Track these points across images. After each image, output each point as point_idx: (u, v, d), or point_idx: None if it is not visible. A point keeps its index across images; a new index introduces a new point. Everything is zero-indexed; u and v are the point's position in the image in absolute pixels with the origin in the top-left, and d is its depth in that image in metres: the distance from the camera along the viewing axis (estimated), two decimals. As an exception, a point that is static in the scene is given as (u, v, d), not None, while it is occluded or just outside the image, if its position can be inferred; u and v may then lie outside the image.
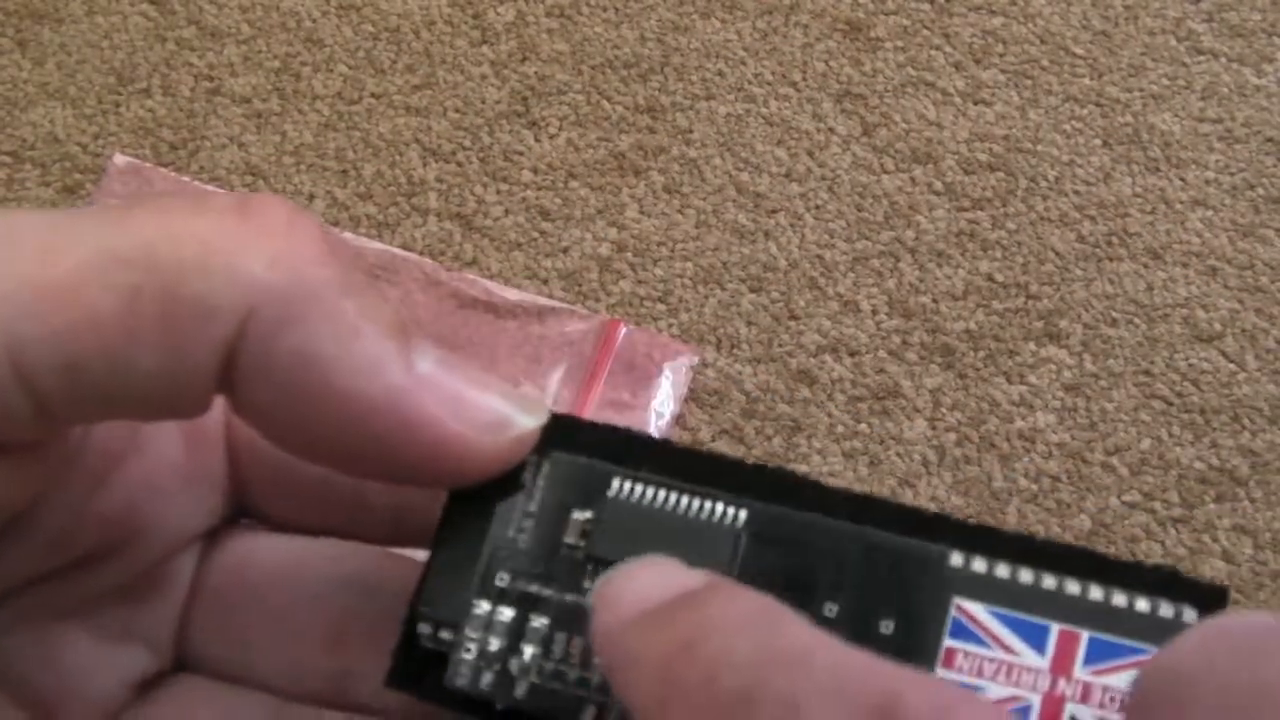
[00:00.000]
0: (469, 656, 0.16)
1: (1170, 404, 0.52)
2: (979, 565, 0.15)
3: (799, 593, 0.15)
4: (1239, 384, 0.52)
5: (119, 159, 0.55)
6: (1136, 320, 0.54)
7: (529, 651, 0.16)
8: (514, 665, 0.16)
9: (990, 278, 0.54)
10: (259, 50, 0.58)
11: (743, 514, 0.16)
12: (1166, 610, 0.15)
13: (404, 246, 0.54)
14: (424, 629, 0.16)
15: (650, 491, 0.16)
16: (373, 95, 0.57)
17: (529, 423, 0.16)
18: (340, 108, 0.57)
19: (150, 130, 0.56)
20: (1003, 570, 0.15)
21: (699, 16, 0.60)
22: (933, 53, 0.59)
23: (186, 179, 0.54)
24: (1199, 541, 0.49)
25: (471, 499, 0.16)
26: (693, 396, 0.51)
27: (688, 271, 0.54)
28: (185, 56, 0.58)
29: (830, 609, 0.15)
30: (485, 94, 0.57)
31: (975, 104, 0.58)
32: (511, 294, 0.52)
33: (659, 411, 0.50)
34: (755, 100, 0.58)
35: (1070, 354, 0.53)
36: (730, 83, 0.58)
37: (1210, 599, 0.15)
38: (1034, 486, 0.50)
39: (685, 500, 0.16)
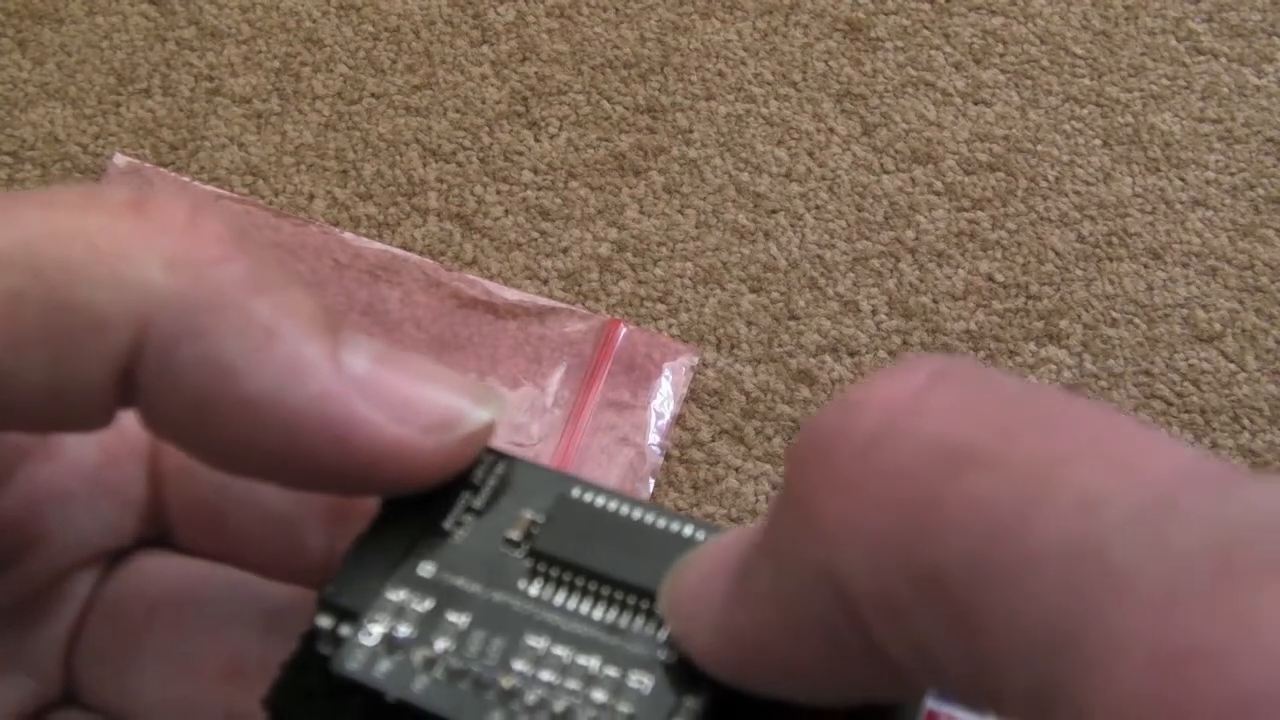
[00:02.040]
0: (367, 641, 0.14)
1: (1170, 404, 0.52)
2: None
3: None
4: (1239, 384, 0.52)
5: (119, 159, 0.55)
6: (1136, 320, 0.54)
7: (440, 645, 0.14)
8: (418, 657, 0.14)
9: (990, 278, 0.54)
10: (259, 50, 0.58)
11: (701, 533, 0.15)
12: None
13: (404, 246, 0.54)
14: (324, 622, 0.14)
15: (612, 502, 0.15)
16: (373, 95, 0.57)
17: (481, 416, 0.15)
18: (340, 108, 0.57)
19: (150, 130, 0.56)
20: None
21: (699, 16, 0.60)
22: (933, 53, 0.59)
23: (186, 179, 0.54)
24: (1199, 541, 0.49)
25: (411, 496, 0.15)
26: (693, 396, 0.51)
27: (688, 271, 0.54)
28: (185, 56, 0.58)
29: None
30: (485, 94, 0.58)
31: (975, 104, 0.58)
32: (511, 294, 0.52)
33: (659, 411, 0.50)
34: (755, 100, 0.58)
35: (1070, 354, 0.53)
36: (730, 83, 0.58)
37: None
38: (1034, 486, 0.50)
39: (649, 515, 0.15)
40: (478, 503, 0.15)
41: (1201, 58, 0.60)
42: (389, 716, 0.14)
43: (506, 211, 0.55)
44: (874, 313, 0.53)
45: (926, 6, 0.60)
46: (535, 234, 0.54)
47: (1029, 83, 0.59)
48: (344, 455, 0.14)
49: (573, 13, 0.59)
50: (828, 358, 0.52)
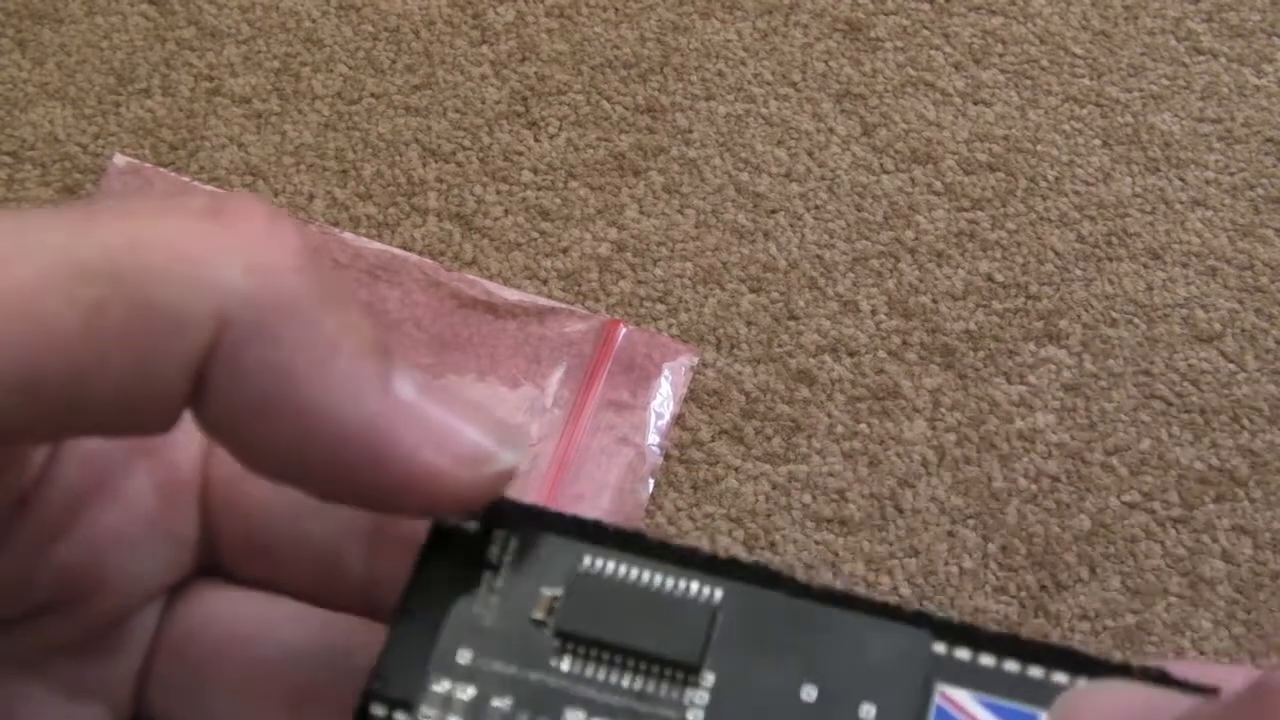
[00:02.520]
0: None
1: (1170, 404, 0.52)
2: (963, 653, 0.15)
3: (775, 675, 0.15)
4: (1239, 384, 0.52)
5: (119, 159, 0.55)
6: (1136, 320, 0.54)
7: None
8: None
9: (990, 278, 0.54)
10: (259, 50, 0.58)
11: (718, 593, 0.15)
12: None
13: (404, 246, 0.54)
14: (377, 711, 0.15)
15: (622, 568, 0.16)
16: (373, 95, 0.57)
17: (509, 458, 0.15)
18: (340, 108, 0.57)
19: (150, 130, 0.56)
20: (987, 659, 0.15)
21: (699, 16, 0.60)
22: (933, 53, 0.59)
23: (186, 179, 0.54)
24: (1199, 541, 0.49)
25: (438, 572, 0.16)
26: (693, 396, 0.51)
27: (688, 271, 0.54)
28: (185, 56, 0.58)
29: (809, 692, 0.15)
30: (485, 94, 0.58)
31: (975, 104, 0.58)
32: (511, 294, 0.52)
33: (659, 412, 0.51)
34: (755, 100, 0.58)
35: (1070, 354, 0.53)
36: (730, 83, 0.58)
37: (1204, 695, 0.15)
38: (1034, 486, 0.50)
39: (659, 578, 0.16)
40: (499, 583, 0.16)
41: (1201, 58, 0.60)
42: None
43: (506, 211, 0.55)
44: (874, 313, 0.53)
45: (926, 6, 0.60)
46: (535, 234, 0.54)
47: (1029, 83, 0.59)
48: (381, 472, 0.14)
49: (573, 13, 0.59)
50: (827, 358, 0.52)
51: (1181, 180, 0.57)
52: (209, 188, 0.54)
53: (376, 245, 0.53)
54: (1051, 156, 0.57)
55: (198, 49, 0.58)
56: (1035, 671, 0.15)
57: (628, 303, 0.53)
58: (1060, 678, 0.15)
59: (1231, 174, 0.57)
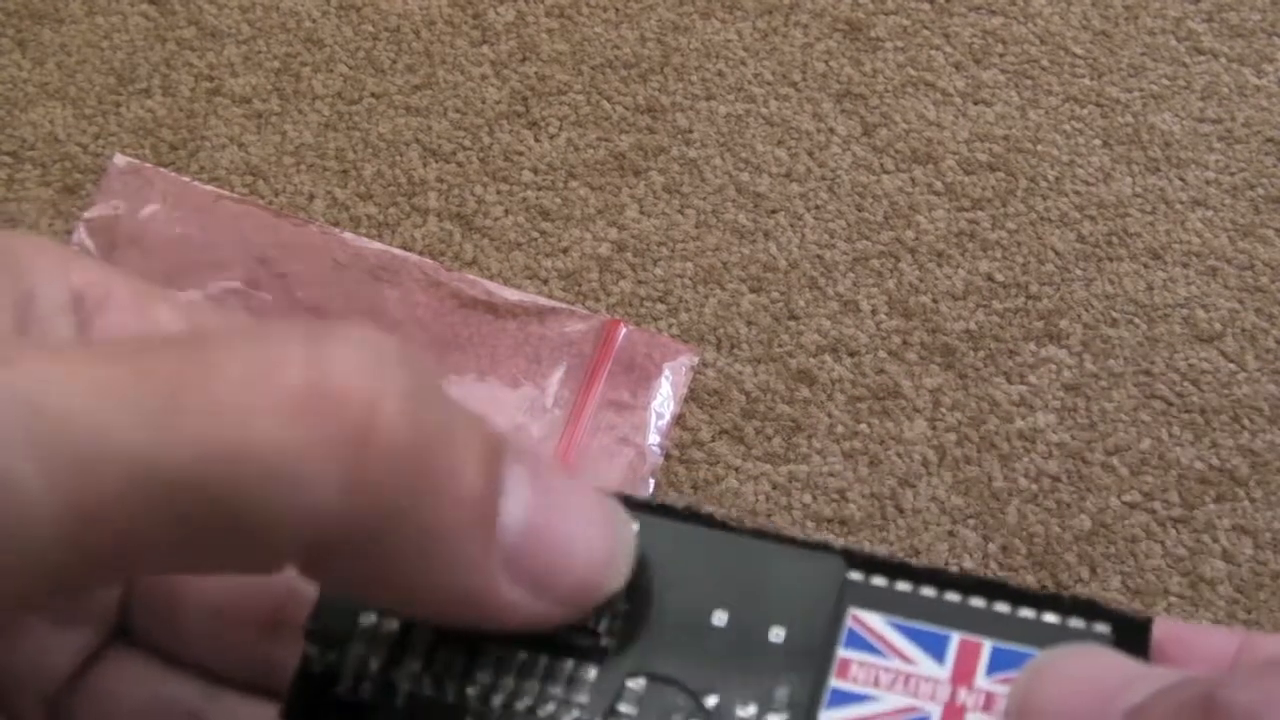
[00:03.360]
0: (353, 665, 0.16)
1: (1170, 404, 0.52)
2: (878, 580, 0.15)
3: (686, 600, 0.15)
4: (1239, 384, 0.52)
5: (119, 159, 0.55)
6: (1136, 320, 0.54)
7: (412, 663, 0.15)
8: (396, 676, 0.15)
9: (990, 278, 0.54)
10: (259, 50, 0.58)
11: (634, 525, 0.15)
12: (1077, 623, 0.15)
13: (404, 246, 0.54)
14: (312, 650, 0.16)
15: None
16: (373, 95, 0.57)
17: (616, 584, 0.15)
18: (340, 108, 0.57)
19: (150, 130, 0.56)
20: (903, 586, 0.15)
21: (699, 16, 0.60)
22: (933, 53, 0.59)
23: (187, 179, 0.54)
24: (1199, 541, 0.49)
25: None
26: (693, 396, 0.51)
27: (688, 271, 0.54)
28: (185, 56, 0.58)
29: (719, 616, 0.15)
30: (485, 94, 0.58)
31: (975, 104, 0.58)
32: (511, 294, 0.52)
33: (659, 412, 0.51)
34: (755, 100, 0.58)
35: (1070, 354, 0.53)
36: (730, 83, 0.58)
37: (1131, 628, 0.14)
38: (1034, 486, 0.50)
39: None
40: None
41: (1201, 58, 0.60)
42: None
43: (506, 211, 0.55)
44: (874, 313, 0.53)
45: (926, 6, 0.60)
46: (535, 234, 0.54)
47: (1029, 83, 0.59)
48: (484, 624, 0.14)
49: (573, 13, 0.59)
50: (828, 358, 0.52)
51: (1182, 180, 0.57)
52: (210, 188, 0.54)
53: (377, 245, 0.53)
54: (1052, 156, 0.57)
55: (198, 49, 0.58)
56: (951, 596, 0.15)
57: (628, 303, 0.53)
58: (978, 602, 0.15)
59: (1232, 174, 0.57)
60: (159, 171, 0.55)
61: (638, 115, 0.57)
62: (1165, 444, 0.51)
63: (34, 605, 0.14)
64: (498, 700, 0.15)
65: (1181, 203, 0.56)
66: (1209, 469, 0.51)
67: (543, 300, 0.52)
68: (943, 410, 0.51)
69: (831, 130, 0.57)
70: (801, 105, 0.58)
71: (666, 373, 0.51)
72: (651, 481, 0.49)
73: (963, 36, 0.60)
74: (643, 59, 0.59)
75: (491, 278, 0.53)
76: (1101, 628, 0.15)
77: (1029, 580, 0.48)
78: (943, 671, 0.14)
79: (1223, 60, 0.60)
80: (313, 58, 0.58)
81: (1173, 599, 0.48)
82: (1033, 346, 0.53)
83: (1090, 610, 0.15)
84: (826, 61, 0.59)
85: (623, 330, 0.52)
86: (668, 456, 0.50)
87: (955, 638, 0.15)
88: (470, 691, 0.15)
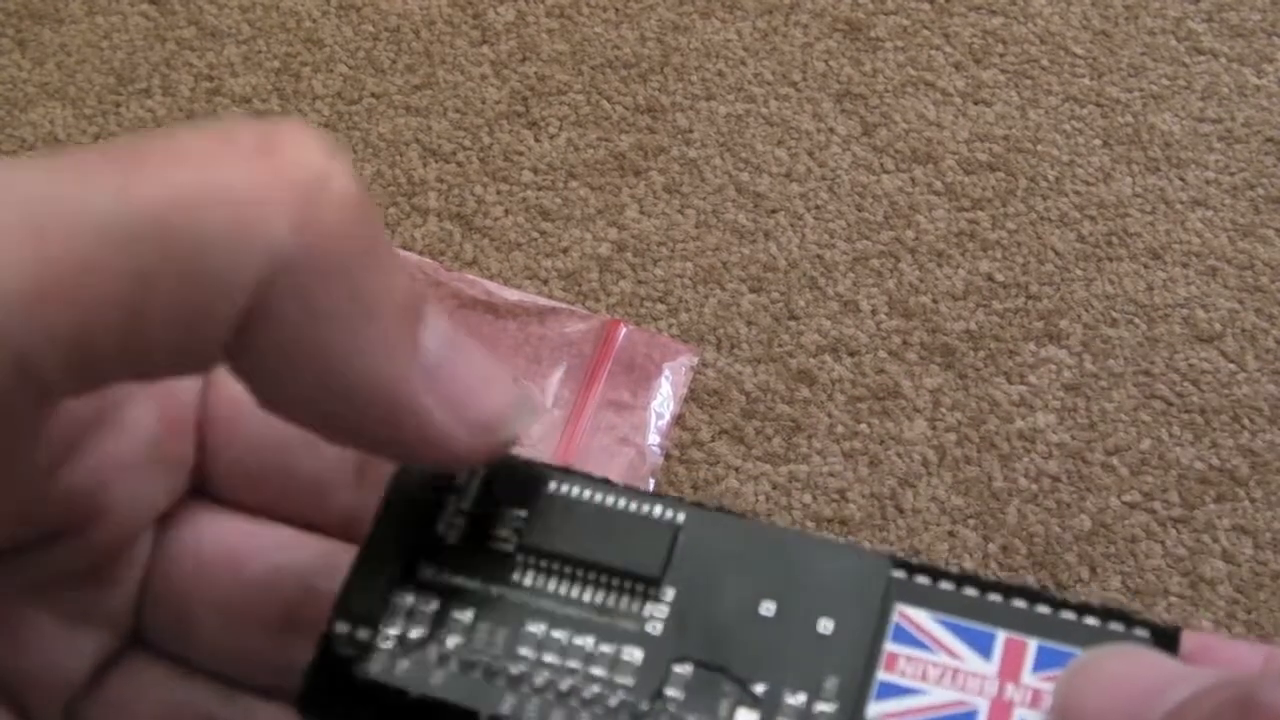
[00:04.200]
0: (387, 645, 0.15)
1: (1170, 404, 0.52)
2: (922, 579, 0.15)
3: (735, 587, 0.15)
4: (1239, 384, 0.52)
5: (119, 159, 0.55)
6: (1136, 320, 0.54)
7: (452, 641, 0.15)
8: (433, 653, 0.15)
9: (990, 278, 0.54)
10: (259, 50, 0.58)
11: (681, 515, 0.16)
12: (1116, 627, 0.15)
13: (404, 246, 0.54)
14: (341, 628, 0.16)
15: (587, 492, 0.16)
16: (373, 95, 0.57)
17: (518, 426, 0.16)
18: (340, 108, 0.57)
19: (150, 130, 0.56)
20: (947, 585, 0.15)
21: (699, 16, 0.60)
22: (933, 53, 0.59)
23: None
24: (1199, 541, 0.49)
25: (405, 496, 0.16)
26: (693, 396, 0.51)
27: (688, 271, 0.54)
28: (185, 56, 0.58)
29: (768, 607, 0.15)
30: (485, 94, 0.58)
31: (975, 104, 0.58)
32: (511, 294, 0.52)
33: (659, 412, 0.50)
34: (755, 100, 0.58)
35: (1070, 354, 0.53)
36: (730, 83, 0.58)
37: (1163, 636, 0.15)
38: (1034, 486, 0.50)
39: (623, 501, 0.16)
40: (465, 504, 0.16)
41: (1201, 58, 0.60)
42: (412, 710, 0.15)
43: (506, 211, 0.55)
44: (874, 312, 0.53)
45: (926, 6, 0.60)
46: (535, 234, 0.54)
47: (1029, 83, 0.59)
48: (397, 432, 0.15)
49: (573, 13, 0.59)
50: (828, 358, 0.52)
51: (1182, 180, 0.57)
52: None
53: (377, 245, 0.53)
54: (1052, 156, 0.57)
55: (198, 49, 0.58)
56: (993, 596, 0.15)
57: (628, 303, 0.53)
58: (1020, 604, 0.15)
59: (1232, 174, 0.57)
60: (159, 171, 0.55)
61: (638, 115, 0.57)
62: (1165, 444, 0.51)
63: (11, 416, 0.13)
64: (540, 680, 0.15)
65: (1181, 203, 0.56)
66: (1209, 469, 0.51)
67: (543, 300, 0.52)
68: (943, 410, 0.51)
69: (831, 130, 0.57)
70: (801, 105, 0.58)
71: (666, 373, 0.51)
72: (652, 481, 0.49)
73: (963, 36, 0.60)
74: (643, 59, 0.59)
75: (491, 278, 0.53)
76: (1141, 632, 0.15)
77: (1029, 580, 0.48)
78: (990, 668, 0.15)
79: (1223, 60, 0.60)
80: (313, 58, 0.58)
81: (1173, 599, 0.48)
82: (1033, 346, 0.53)
83: (1125, 617, 0.15)
84: (826, 61, 0.59)
85: (623, 330, 0.52)
86: (668, 456, 0.50)
87: (1001, 636, 0.15)
88: (514, 670, 0.15)
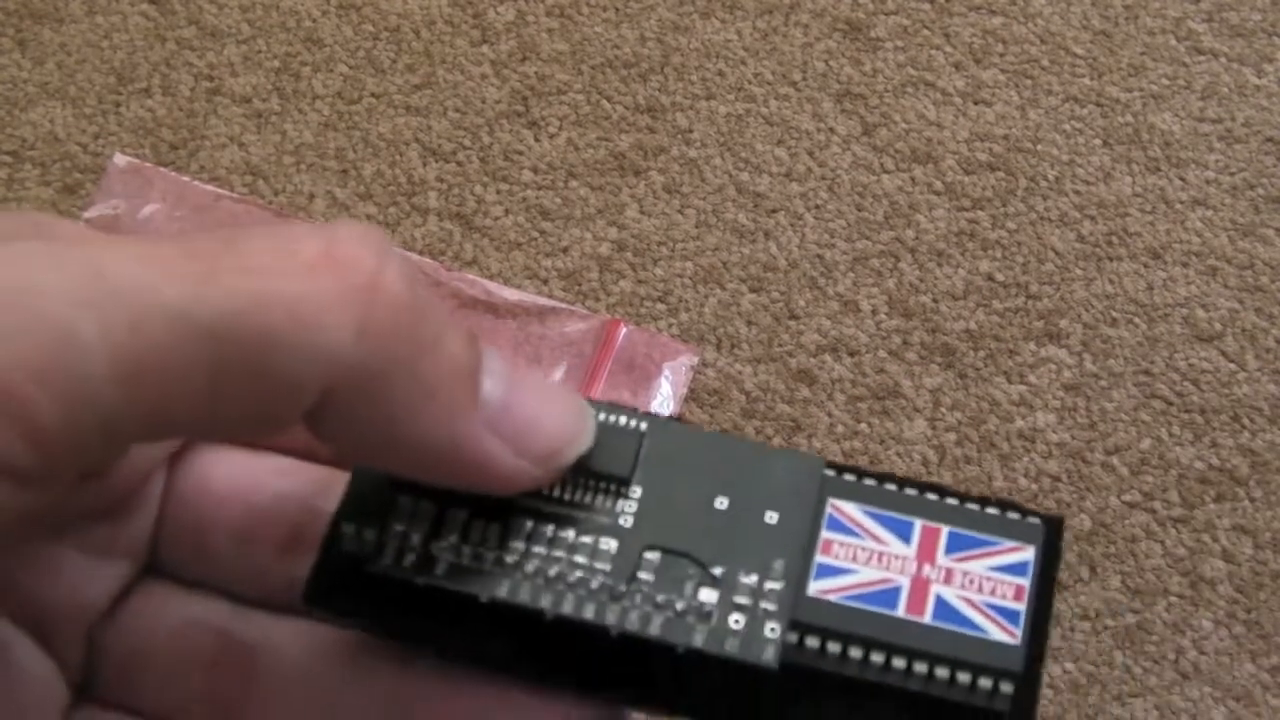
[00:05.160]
0: (394, 542, 0.17)
1: (1170, 404, 0.52)
2: (849, 477, 0.18)
3: (692, 485, 0.18)
4: (1239, 384, 0.52)
5: (119, 159, 0.55)
6: (1136, 320, 0.54)
7: (450, 537, 0.17)
8: (435, 548, 0.17)
9: (990, 278, 0.54)
10: (259, 50, 0.58)
11: (643, 424, 0.18)
12: (1014, 515, 0.18)
13: (404, 246, 0.54)
14: (348, 528, 0.18)
15: None
16: (373, 95, 0.57)
17: (583, 446, 0.17)
18: (340, 108, 0.57)
19: (150, 130, 0.56)
20: (870, 482, 0.18)
21: (699, 16, 0.60)
22: (933, 53, 0.59)
23: (187, 179, 0.54)
24: (1199, 541, 0.49)
25: None
26: (693, 396, 0.51)
27: (688, 271, 0.54)
28: (185, 56, 0.58)
29: (721, 502, 0.18)
30: (485, 94, 0.58)
31: (975, 104, 0.58)
32: (511, 294, 0.52)
33: (659, 411, 0.50)
34: (755, 100, 0.58)
35: (1070, 354, 0.53)
36: (730, 83, 0.58)
37: (1050, 524, 0.18)
38: (1034, 486, 0.50)
39: (600, 413, 0.18)
40: None
41: (1201, 58, 0.60)
42: (415, 599, 0.17)
43: (506, 211, 0.55)
44: (874, 312, 0.53)
45: (926, 6, 0.60)
46: (535, 234, 0.54)
47: (1029, 83, 0.59)
48: (470, 477, 0.17)
49: (573, 12, 0.59)
50: (828, 357, 0.52)
51: (1182, 180, 0.57)
52: (210, 187, 0.54)
53: (377, 245, 0.53)
54: (1052, 156, 0.57)
55: (198, 49, 0.58)
56: (910, 491, 0.18)
57: (628, 302, 0.53)
58: (932, 497, 0.18)
59: (1232, 174, 0.57)
60: (159, 171, 0.55)
61: (638, 115, 0.57)
62: (1165, 444, 0.51)
63: (89, 460, 0.15)
64: (530, 567, 0.17)
65: (1181, 203, 0.56)
66: (1209, 469, 0.51)
67: (543, 300, 0.52)
68: (943, 410, 0.51)
69: (831, 130, 0.57)
70: (801, 105, 0.58)
71: (666, 372, 0.51)
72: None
73: (963, 36, 0.60)
74: (643, 59, 0.59)
75: (491, 277, 0.53)
76: (1032, 520, 0.17)
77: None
78: (909, 551, 0.17)
79: (1223, 60, 0.60)
80: (313, 57, 0.58)
81: (1173, 599, 0.48)
82: (1033, 346, 0.53)
83: (1017, 507, 0.18)
84: (826, 61, 0.59)
85: (623, 330, 0.52)
86: (668, 456, 0.50)
87: (918, 524, 0.17)
88: (507, 560, 0.17)
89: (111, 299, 0.14)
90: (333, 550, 0.18)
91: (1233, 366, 0.53)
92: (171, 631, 0.19)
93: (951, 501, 0.18)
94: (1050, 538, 0.17)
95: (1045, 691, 0.47)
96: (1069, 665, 0.47)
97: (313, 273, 0.15)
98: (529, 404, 0.17)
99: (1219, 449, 0.51)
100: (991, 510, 0.18)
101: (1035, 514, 0.18)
